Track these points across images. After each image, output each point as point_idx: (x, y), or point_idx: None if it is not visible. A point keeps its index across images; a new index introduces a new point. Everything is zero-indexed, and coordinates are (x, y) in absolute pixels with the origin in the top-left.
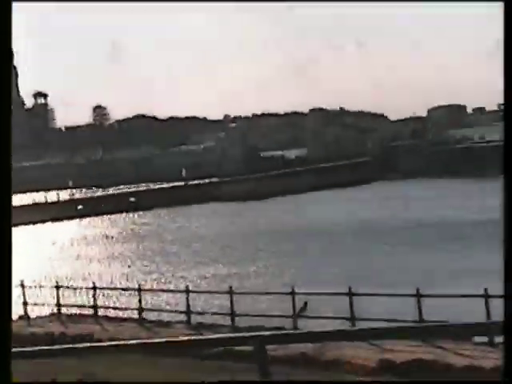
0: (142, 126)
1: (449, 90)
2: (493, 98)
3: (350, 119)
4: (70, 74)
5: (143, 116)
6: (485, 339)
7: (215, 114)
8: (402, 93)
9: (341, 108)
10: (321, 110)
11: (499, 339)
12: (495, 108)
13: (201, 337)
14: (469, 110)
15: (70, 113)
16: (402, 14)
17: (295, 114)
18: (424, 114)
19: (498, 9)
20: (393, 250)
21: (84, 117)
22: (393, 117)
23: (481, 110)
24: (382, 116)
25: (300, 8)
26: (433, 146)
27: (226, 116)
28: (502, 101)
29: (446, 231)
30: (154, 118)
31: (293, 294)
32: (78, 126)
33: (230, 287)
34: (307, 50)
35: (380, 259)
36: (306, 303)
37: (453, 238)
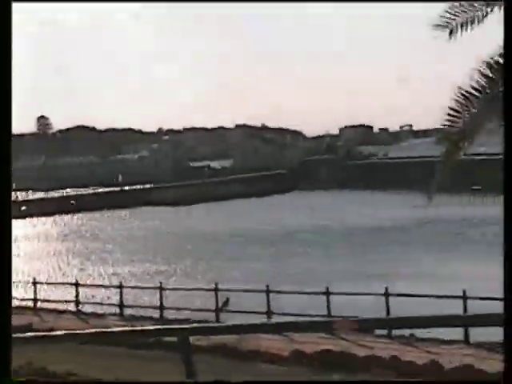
0: (82, 136)
1: (359, 111)
2: (397, 119)
3: (271, 135)
4: (16, 86)
5: (83, 127)
6: (384, 332)
7: (150, 127)
8: (317, 112)
9: (262, 124)
10: (245, 125)
11: (396, 332)
12: (397, 129)
13: (133, 328)
14: (375, 130)
15: (15, 122)
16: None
17: (222, 128)
18: (336, 132)
19: (412, 35)
20: (305, 250)
21: (28, 126)
22: (309, 134)
23: (385, 130)
24: (298, 133)
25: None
26: (344, 160)
27: (160, 129)
28: (404, 122)
29: (350, 236)
30: (93, 129)
31: (216, 290)
32: (23, 135)
33: (160, 283)
34: (233, 71)
35: (294, 260)
36: (227, 299)
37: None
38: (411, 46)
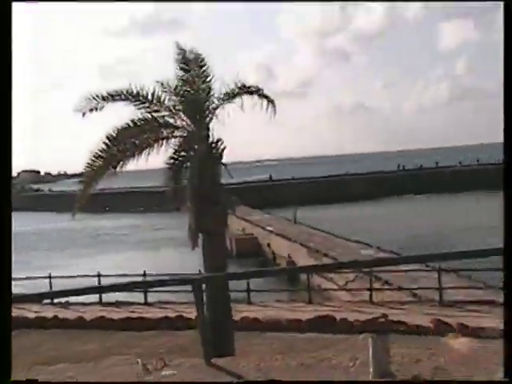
0: None
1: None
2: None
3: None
4: None
5: None
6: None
7: None
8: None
9: None
10: None
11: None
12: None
13: None
14: (42, 174)
15: None
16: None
17: None
18: (15, 174)
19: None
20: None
21: None
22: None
23: (49, 173)
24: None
25: None
26: (19, 193)
27: None
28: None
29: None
30: None
31: None
32: None
33: None
34: None
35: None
36: None
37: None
38: None
